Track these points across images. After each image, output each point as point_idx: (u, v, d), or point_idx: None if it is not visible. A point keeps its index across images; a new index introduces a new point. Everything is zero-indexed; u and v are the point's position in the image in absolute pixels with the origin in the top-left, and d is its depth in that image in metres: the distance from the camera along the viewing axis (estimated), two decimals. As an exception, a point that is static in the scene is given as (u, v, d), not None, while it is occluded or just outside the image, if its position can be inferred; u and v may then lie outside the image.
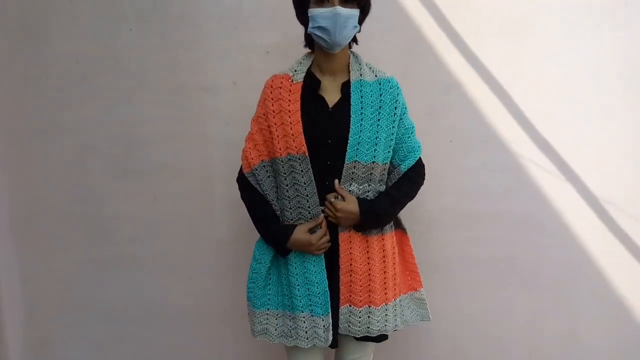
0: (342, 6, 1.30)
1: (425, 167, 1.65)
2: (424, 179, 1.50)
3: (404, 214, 1.62)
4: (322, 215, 1.36)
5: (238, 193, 1.51)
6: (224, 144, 1.92)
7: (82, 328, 2.07)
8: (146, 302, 2.06)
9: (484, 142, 1.91)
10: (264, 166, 1.41)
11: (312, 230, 1.36)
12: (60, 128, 1.96)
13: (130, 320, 2.06)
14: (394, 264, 1.43)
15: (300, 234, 1.35)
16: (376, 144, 1.36)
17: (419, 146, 1.46)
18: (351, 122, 1.34)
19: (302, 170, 1.34)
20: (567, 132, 1.89)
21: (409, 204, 1.61)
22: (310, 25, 1.34)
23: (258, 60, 1.88)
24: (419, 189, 1.48)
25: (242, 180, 1.47)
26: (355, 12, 1.34)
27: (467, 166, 1.93)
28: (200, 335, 2.07)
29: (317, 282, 1.36)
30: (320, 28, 1.32)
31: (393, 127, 1.39)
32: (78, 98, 1.94)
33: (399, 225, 1.50)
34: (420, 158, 1.46)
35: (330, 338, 1.36)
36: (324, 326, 1.36)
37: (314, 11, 1.33)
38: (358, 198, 1.35)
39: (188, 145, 1.95)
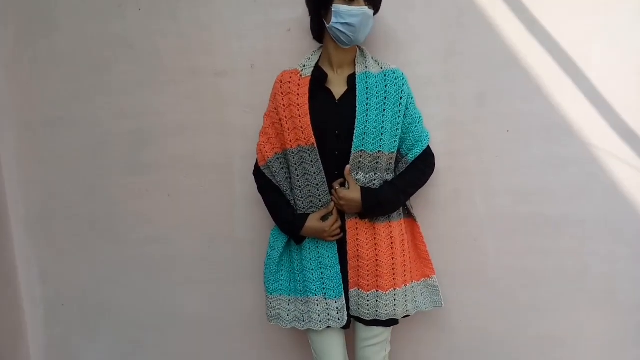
0: (367, 7, 1.47)
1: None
2: (433, 168, 1.61)
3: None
4: (333, 203, 1.51)
5: (257, 187, 1.65)
6: (243, 134, 1.86)
7: (100, 329, 2.13)
8: (162, 305, 2.06)
9: (549, 131, 1.71)
10: (278, 158, 1.56)
11: (324, 218, 1.51)
12: (71, 121, 1.98)
13: (146, 323, 2.08)
14: (402, 250, 1.56)
15: (313, 222, 1.50)
16: (382, 134, 1.47)
17: (426, 135, 1.56)
18: (357, 112, 1.47)
19: (311, 161, 1.47)
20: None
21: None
22: (333, 20, 1.46)
23: (278, 40, 1.79)
24: (427, 178, 1.61)
25: (258, 173, 1.62)
26: (372, 13, 1.50)
27: (528, 160, 1.73)
28: (219, 343, 2.05)
29: (329, 266, 1.51)
30: (346, 24, 1.45)
31: (399, 117, 1.51)
32: (88, 87, 1.96)
33: (409, 214, 1.63)
34: (428, 147, 1.57)
35: (345, 319, 1.51)
36: (337, 308, 1.50)
37: (341, 7, 1.45)
38: (362, 187, 1.48)
39: (204, 135, 1.90)
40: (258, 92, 1.76)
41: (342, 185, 1.50)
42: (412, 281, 1.61)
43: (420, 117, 1.57)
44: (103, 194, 2.00)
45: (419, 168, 1.57)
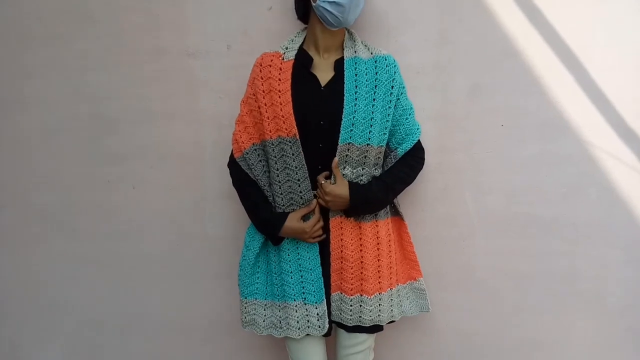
0: None
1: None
2: (422, 164, 1.56)
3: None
4: (315, 200, 1.43)
5: (231, 181, 1.54)
6: (216, 122, 1.75)
7: (54, 330, 2.00)
8: (124, 306, 1.94)
9: (544, 127, 1.65)
10: (255, 149, 1.46)
11: (305, 217, 1.43)
12: (22, 102, 1.85)
13: (106, 325, 1.97)
14: (389, 252, 1.50)
15: (292, 221, 1.41)
16: (371, 125, 1.39)
17: (417, 128, 1.50)
18: (345, 101, 1.39)
19: (293, 154, 1.38)
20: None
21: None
22: None
23: (258, 19, 1.68)
24: (416, 174, 1.54)
25: (234, 166, 1.52)
26: None
27: (521, 158, 1.67)
28: (188, 348, 1.95)
29: (310, 269, 1.43)
30: (334, 4, 1.35)
31: (389, 107, 1.44)
32: (41, 65, 1.81)
33: (396, 212, 1.57)
34: (419, 141, 1.51)
35: (326, 326, 1.44)
36: (317, 314, 1.42)
37: None
38: (350, 182, 1.40)
39: (173, 123, 1.78)
40: (234, 76, 1.68)
41: (328, 178, 1.41)
42: (397, 284, 1.55)
43: (411, 108, 1.50)
44: (59, 184, 1.88)
45: (409, 163, 1.50)
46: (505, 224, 1.71)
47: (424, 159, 1.54)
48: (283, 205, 1.42)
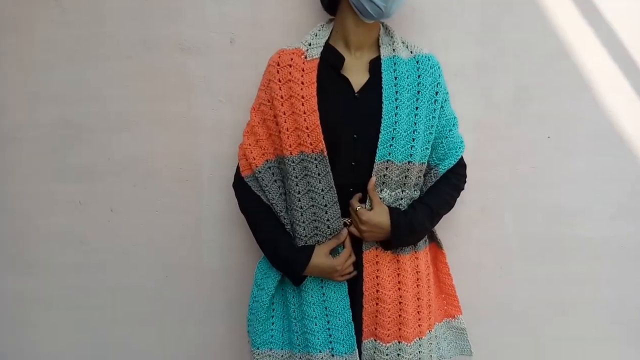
0: None
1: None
2: (465, 182, 1.42)
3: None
4: (346, 230, 1.27)
5: (235, 202, 1.40)
6: (216, 131, 1.62)
7: None
8: (101, 353, 1.74)
9: (596, 139, 1.55)
10: (269, 167, 1.31)
11: (333, 251, 1.28)
12: None
13: None
14: (428, 287, 1.37)
15: (320, 257, 1.25)
16: (413, 139, 1.24)
17: (461, 142, 1.36)
18: (383, 110, 1.24)
19: (319, 174, 1.23)
20: None
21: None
22: None
23: (269, 7, 1.54)
24: (459, 195, 1.41)
25: (241, 187, 1.36)
26: None
27: (570, 172, 1.57)
28: None
29: (338, 313, 1.27)
30: None
31: (433, 117, 1.29)
32: None
33: (433, 238, 1.45)
34: (462, 157, 1.38)
35: None
36: None
37: None
38: (390, 208, 1.27)
39: (162, 132, 1.64)
40: (239, 76, 1.55)
41: (362, 201, 1.25)
42: (435, 323, 1.40)
43: (455, 118, 1.36)
44: (16, 205, 1.69)
45: (453, 183, 1.35)
46: (548, 248, 1.59)
47: (466, 176, 1.39)
48: (305, 236, 1.25)
